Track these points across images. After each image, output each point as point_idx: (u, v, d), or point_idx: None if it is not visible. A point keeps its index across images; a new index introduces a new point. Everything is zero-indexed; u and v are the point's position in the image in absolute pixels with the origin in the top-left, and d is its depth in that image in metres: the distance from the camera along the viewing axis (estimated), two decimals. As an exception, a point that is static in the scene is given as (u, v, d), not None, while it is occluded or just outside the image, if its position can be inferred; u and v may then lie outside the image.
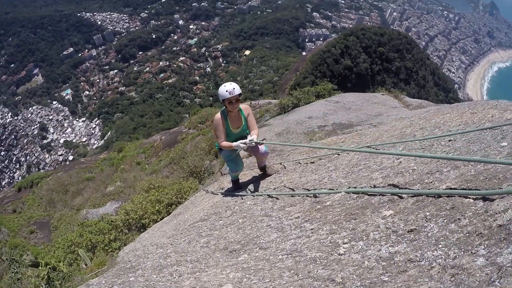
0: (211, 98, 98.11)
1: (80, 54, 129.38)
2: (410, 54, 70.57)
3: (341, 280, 1.80)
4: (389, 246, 1.94)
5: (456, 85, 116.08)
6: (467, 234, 1.70)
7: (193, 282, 2.40)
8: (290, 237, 2.70)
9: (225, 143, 4.61)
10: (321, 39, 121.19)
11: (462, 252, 1.59)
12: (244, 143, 4.44)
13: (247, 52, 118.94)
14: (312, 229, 2.66)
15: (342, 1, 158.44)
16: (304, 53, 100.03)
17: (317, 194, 3.44)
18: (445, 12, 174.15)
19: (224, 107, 4.55)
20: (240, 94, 4.41)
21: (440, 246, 1.71)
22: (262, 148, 4.86)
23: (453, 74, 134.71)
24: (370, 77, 63.56)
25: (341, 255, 2.07)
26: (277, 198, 3.97)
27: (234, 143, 4.50)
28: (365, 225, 2.30)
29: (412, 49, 71.92)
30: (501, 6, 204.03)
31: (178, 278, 2.60)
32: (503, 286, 1.27)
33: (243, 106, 4.72)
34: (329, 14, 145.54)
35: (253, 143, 4.49)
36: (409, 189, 2.57)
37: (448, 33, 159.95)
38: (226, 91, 4.31)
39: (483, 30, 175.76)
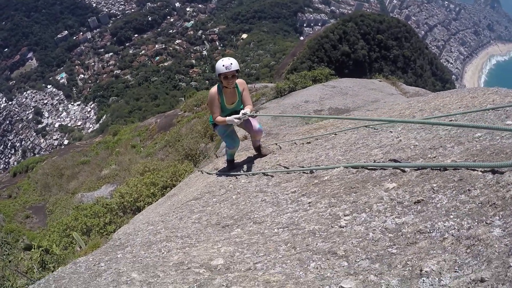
0: (207, 81, 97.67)
1: (74, 37, 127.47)
2: (409, 42, 70.40)
3: (343, 253, 1.68)
4: (395, 217, 1.82)
5: (453, 76, 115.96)
6: (479, 205, 1.60)
7: (181, 257, 2.29)
8: (286, 211, 2.59)
9: (219, 118, 4.54)
10: (319, 24, 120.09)
11: (476, 223, 1.48)
12: (238, 118, 4.34)
13: (244, 36, 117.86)
14: (309, 202, 2.54)
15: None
16: (302, 38, 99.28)
17: (314, 170, 3.32)
18: (446, 2, 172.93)
19: (220, 82, 4.44)
20: (237, 71, 4.30)
21: (452, 216, 1.60)
22: (256, 125, 4.76)
23: (451, 65, 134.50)
24: (367, 64, 63.50)
25: (343, 227, 1.94)
26: (272, 176, 3.86)
27: (228, 118, 4.42)
28: (367, 198, 2.17)
29: (411, 37, 71.72)
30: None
31: (166, 253, 2.51)
32: None
33: (239, 81, 4.60)
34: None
35: (247, 117, 4.40)
36: (412, 162, 2.45)
37: (448, 23, 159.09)
38: (223, 65, 4.21)
39: (483, 23, 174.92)
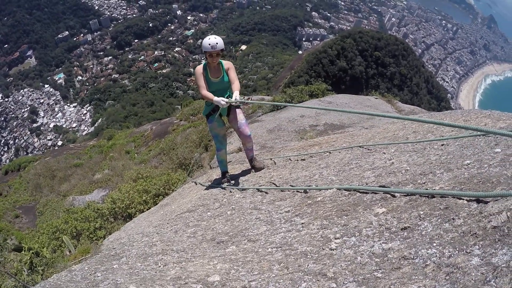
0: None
1: (75, 38, 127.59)
2: (406, 60, 71.08)
3: (333, 275, 1.77)
4: (382, 242, 1.92)
5: (449, 95, 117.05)
6: (461, 234, 1.69)
7: (178, 271, 2.35)
8: (279, 231, 2.67)
9: (206, 93, 4.66)
10: (318, 39, 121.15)
11: (457, 251, 1.58)
12: (225, 101, 4.48)
13: (244, 47, 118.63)
14: (302, 223, 2.62)
15: (342, 3, 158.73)
16: (300, 52, 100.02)
17: (307, 190, 3.40)
18: (444, 21, 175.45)
19: (205, 59, 4.69)
20: (222, 50, 4.52)
21: (435, 244, 1.70)
22: (246, 131, 4.93)
23: (447, 84, 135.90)
24: (364, 81, 63.87)
25: (333, 250, 2.04)
26: (266, 192, 3.94)
27: (215, 98, 4.53)
28: (357, 222, 2.27)
29: (408, 55, 72.43)
30: (499, 20, 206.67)
31: (163, 267, 2.56)
32: (498, 286, 1.27)
33: (225, 61, 4.82)
34: (328, 14, 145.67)
35: (236, 102, 4.57)
36: (402, 188, 2.55)
37: (445, 42, 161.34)
38: (209, 44, 4.45)
39: (479, 42, 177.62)
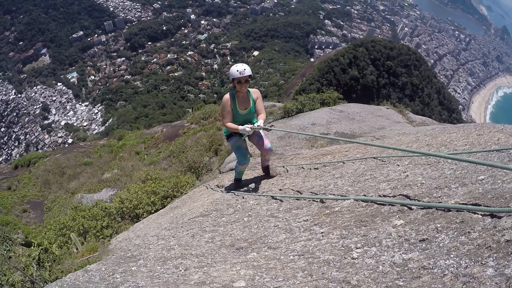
0: (215, 95, 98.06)
1: (89, 39, 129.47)
2: (418, 70, 70.61)
3: (356, 283, 1.84)
4: (402, 253, 1.98)
5: (460, 106, 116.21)
6: (477, 246, 1.77)
7: (202, 276, 2.39)
8: (299, 239, 2.72)
9: (230, 124, 4.69)
10: (330, 47, 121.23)
11: (472, 263, 1.66)
12: (250, 128, 4.51)
13: (256, 53, 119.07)
14: (322, 232, 2.67)
15: (355, 12, 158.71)
16: (312, 60, 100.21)
17: (324, 200, 3.44)
18: (457, 32, 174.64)
19: (234, 88, 4.65)
20: (250, 76, 4.51)
21: (452, 255, 1.78)
22: (267, 143, 4.90)
23: (459, 95, 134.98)
24: (375, 90, 63.57)
25: (355, 259, 2.10)
26: (281, 200, 3.96)
27: (240, 126, 4.58)
28: (376, 232, 2.33)
29: (420, 66, 71.96)
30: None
31: (184, 271, 2.60)
32: None
33: (253, 90, 4.81)
34: (341, 23, 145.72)
35: (260, 128, 4.58)
36: (419, 201, 2.61)
37: (458, 53, 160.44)
38: (237, 70, 4.43)
39: (492, 54, 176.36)
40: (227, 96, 4.71)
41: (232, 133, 4.93)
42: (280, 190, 4.50)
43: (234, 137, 4.93)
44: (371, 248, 2.14)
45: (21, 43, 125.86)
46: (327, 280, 1.94)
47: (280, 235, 2.94)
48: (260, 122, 4.60)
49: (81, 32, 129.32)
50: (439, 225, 2.12)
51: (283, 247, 2.67)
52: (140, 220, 7.42)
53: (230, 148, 6.83)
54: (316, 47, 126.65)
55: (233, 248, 2.97)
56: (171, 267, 2.74)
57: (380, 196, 3.04)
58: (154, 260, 3.03)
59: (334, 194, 3.59)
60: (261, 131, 4.87)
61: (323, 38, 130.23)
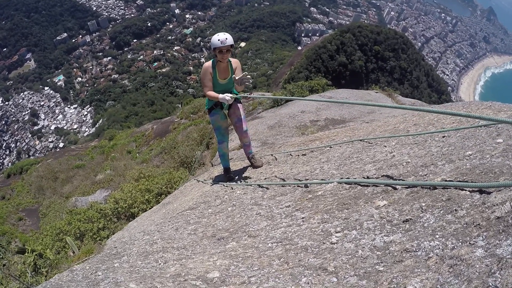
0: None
1: (74, 40, 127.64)
2: (406, 54, 70.95)
3: (333, 269, 1.76)
4: (383, 235, 1.89)
5: (449, 88, 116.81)
6: (464, 225, 1.67)
7: (178, 268, 2.34)
8: (280, 226, 2.65)
9: (210, 93, 4.62)
10: (317, 34, 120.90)
11: (460, 243, 1.56)
12: (230, 97, 4.44)
13: (243, 44, 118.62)
14: (303, 218, 2.60)
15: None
16: (299, 48, 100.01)
17: (308, 184, 3.38)
18: (443, 14, 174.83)
19: (215, 57, 4.57)
20: (232, 45, 4.42)
21: (437, 236, 1.67)
22: (244, 126, 4.96)
23: (447, 77, 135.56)
24: (364, 75, 63.87)
25: (334, 244, 2.02)
26: (267, 188, 3.92)
27: (220, 95, 4.50)
28: (358, 215, 2.25)
29: (407, 49, 72.29)
30: (498, 12, 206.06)
31: (163, 264, 2.55)
32: (503, 277, 1.24)
33: (233, 60, 4.73)
34: (327, 10, 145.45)
35: (241, 97, 4.65)
36: (404, 180, 2.53)
37: (445, 35, 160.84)
38: (218, 40, 4.33)
39: (479, 35, 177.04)
40: (207, 64, 4.65)
41: (213, 105, 4.89)
42: (266, 178, 4.44)
43: (215, 110, 4.90)
44: (351, 232, 2.06)
45: (4, 49, 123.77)
46: (303, 267, 1.87)
47: (261, 222, 2.89)
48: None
49: (65, 34, 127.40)
50: (424, 204, 2.04)
51: (262, 235, 2.62)
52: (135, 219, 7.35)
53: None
54: (303, 35, 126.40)
55: (214, 238, 2.92)
56: (152, 261, 2.69)
57: (364, 177, 2.96)
58: (136, 256, 2.99)
59: (319, 179, 3.52)
60: (240, 112, 4.91)
61: (310, 25, 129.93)
